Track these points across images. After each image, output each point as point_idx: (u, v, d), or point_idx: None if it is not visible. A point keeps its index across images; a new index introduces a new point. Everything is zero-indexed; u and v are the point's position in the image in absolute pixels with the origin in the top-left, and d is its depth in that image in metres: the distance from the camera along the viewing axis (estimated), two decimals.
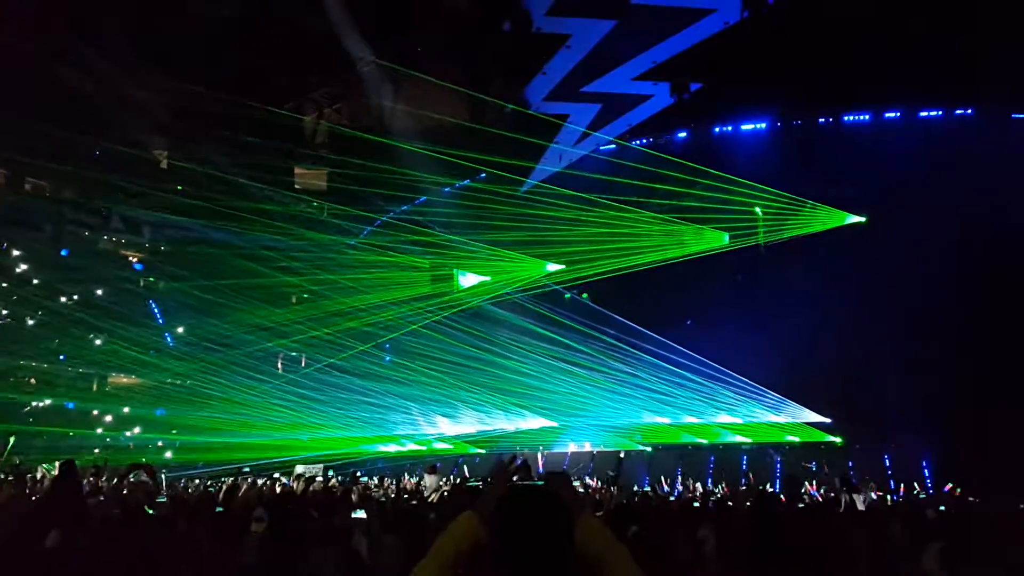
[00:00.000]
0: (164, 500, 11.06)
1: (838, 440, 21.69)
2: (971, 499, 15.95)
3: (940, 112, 18.72)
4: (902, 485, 18.94)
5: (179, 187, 22.00)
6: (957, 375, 20.07)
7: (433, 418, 28.91)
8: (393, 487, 20.98)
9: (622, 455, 27.33)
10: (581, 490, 18.18)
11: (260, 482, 20.87)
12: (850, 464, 20.33)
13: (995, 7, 13.86)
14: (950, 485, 17.86)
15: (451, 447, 29.64)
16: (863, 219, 19.82)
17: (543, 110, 17.88)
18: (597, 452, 27.62)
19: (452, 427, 29.19)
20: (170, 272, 25.57)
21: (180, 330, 28.45)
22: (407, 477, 26.20)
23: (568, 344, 24.19)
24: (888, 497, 17.57)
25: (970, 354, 19.13)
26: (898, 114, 19.05)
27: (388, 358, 27.08)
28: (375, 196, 21.01)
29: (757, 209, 21.33)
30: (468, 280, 25.87)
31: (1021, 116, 17.75)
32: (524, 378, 27.30)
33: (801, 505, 11.74)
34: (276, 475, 21.61)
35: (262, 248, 23.25)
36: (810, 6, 15.03)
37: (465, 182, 22.11)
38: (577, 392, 25.87)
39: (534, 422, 28.10)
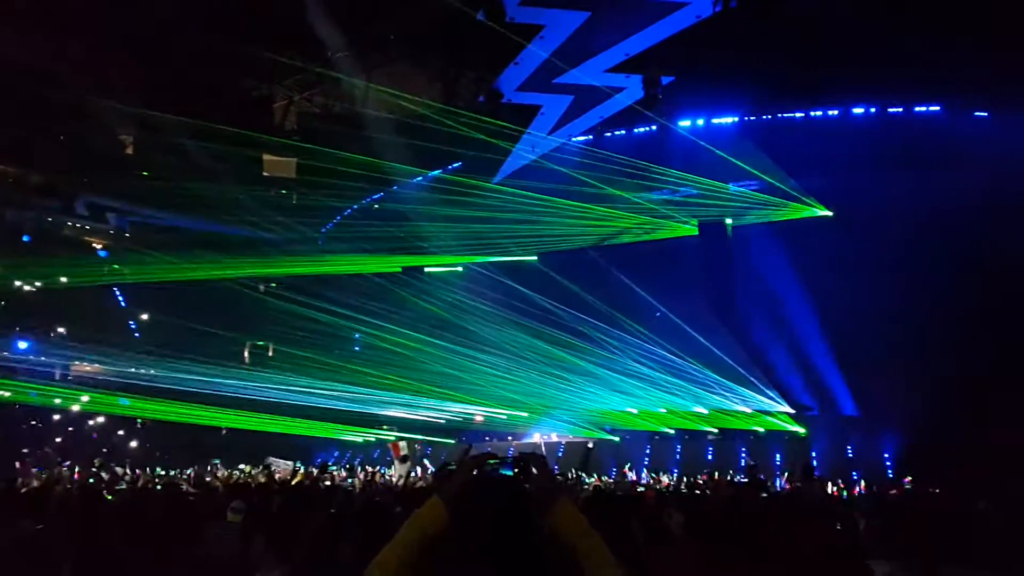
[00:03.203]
0: (124, 487, 10.96)
1: (801, 431, 22.02)
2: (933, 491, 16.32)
3: (906, 109, 18.99)
4: (862, 481, 19.29)
5: (144, 172, 21.68)
6: (920, 368, 20.51)
7: (400, 408, 28.85)
8: (362, 477, 20.99)
9: (590, 445, 27.50)
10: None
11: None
12: (813, 455, 20.67)
13: (960, 8, 14.07)
14: (908, 479, 18.25)
15: (420, 437, 29.65)
16: (830, 213, 20.15)
17: (515, 100, 17.85)
18: (566, 442, 27.77)
19: (420, 417, 29.17)
20: (136, 260, 25.19)
21: (144, 317, 28.14)
22: (378, 469, 26.20)
23: (536, 334, 24.31)
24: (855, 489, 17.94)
25: (933, 348, 19.53)
26: (866, 110, 19.29)
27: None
28: (345, 185, 20.86)
29: (728, 220, 21.64)
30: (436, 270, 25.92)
31: (984, 114, 18.09)
32: (493, 368, 27.40)
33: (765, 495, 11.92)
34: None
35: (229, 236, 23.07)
36: (779, 2, 15.15)
37: (436, 172, 22.06)
38: (545, 382, 26.02)
39: (503, 412, 28.22)
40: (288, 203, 22.62)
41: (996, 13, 13.91)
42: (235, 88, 18.64)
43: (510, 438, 28.81)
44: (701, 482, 18.89)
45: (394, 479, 21.15)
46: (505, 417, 28.23)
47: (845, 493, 16.97)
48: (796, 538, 6.24)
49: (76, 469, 20.79)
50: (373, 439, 31.32)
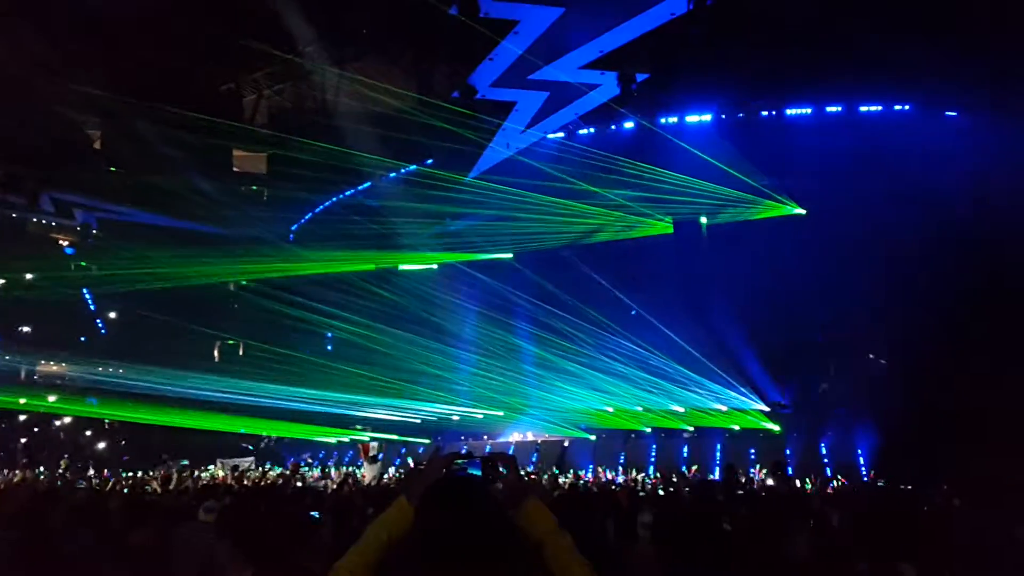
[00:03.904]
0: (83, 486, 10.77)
1: (776, 428, 22.15)
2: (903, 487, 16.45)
3: (880, 107, 19.17)
4: (838, 477, 19.42)
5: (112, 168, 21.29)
6: (891, 365, 20.75)
7: (375, 408, 28.65)
8: (333, 477, 20.81)
9: (566, 443, 27.47)
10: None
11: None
12: (787, 452, 20.79)
13: (934, 9, 14.20)
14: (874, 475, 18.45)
15: (394, 437, 29.50)
16: (803, 211, 20.29)
17: (490, 96, 17.74)
18: (541, 440, 27.72)
19: (395, 417, 29.01)
20: (102, 258, 24.74)
21: (112, 315, 27.68)
22: (351, 469, 25.99)
23: (512, 331, 24.27)
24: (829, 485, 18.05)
25: (905, 345, 19.75)
26: (839, 108, 19.45)
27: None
28: (317, 180, 20.64)
29: (703, 219, 21.75)
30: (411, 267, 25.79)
31: (954, 113, 18.31)
32: (468, 367, 27.31)
33: (740, 492, 11.89)
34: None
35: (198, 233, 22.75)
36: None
37: (410, 169, 21.90)
38: (521, 380, 25.98)
39: (478, 411, 28.14)
40: (259, 199, 22.33)
41: (965, 15, 14.06)
42: (205, 81, 18.32)
43: (486, 437, 28.72)
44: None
45: (366, 479, 20.99)
46: (481, 416, 28.15)
47: (809, 485, 17.08)
48: (770, 541, 6.20)
49: (41, 469, 20.43)
50: (347, 440, 31.09)
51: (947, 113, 18.51)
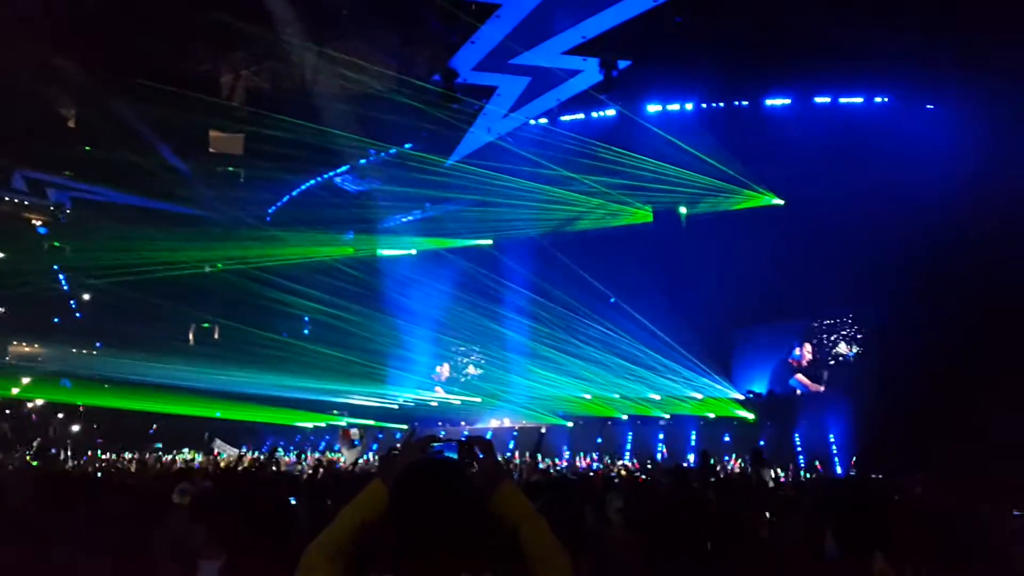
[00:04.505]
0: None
1: (750, 416, 22.33)
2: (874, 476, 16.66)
3: (861, 99, 19.28)
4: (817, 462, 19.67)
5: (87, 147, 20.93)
6: (868, 356, 20.98)
7: (352, 394, 28.57)
8: (309, 462, 20.74)
9: (543, 430, 27.54)
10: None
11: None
12: (761, 442, 20.96)
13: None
14: (854, 460, 18.66)
15: (371, 422, 29.45)
16: (782, 202, 20.43)
17: (471, 81, 17.64)
18: (519, 427, 27.78)
19: (373, 402, 28.95)
20: (76, 237, 24.35)
21: (87, 297, 27.31)
22: (327, 453, 25.95)
23: (490, 316, 24.28)
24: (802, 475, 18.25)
25: (881, 335, 19.97)
26: (819, 99, 19.56)
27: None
28: (294, 163, 20.43)
29: (682, 209, 21.83)
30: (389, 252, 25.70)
31: (932, 107, 18.48)
32: (447, 350, 27.29)
33: (714, 479, 11.98)
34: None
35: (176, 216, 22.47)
36: None
37: (390, 152, 21.75)
38: (499, 365, 26.02)
39: (455, 397, 28.17)
40: (235, 180, 22.07)
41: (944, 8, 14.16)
42: (182, 59, 18.05)
43: (463, 423, 28.73)
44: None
45: (345, 464, 20.96)
46: (459, 403, 28.17)
47: (782, 474, 17.25)
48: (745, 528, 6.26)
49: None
50: (324, 424, 31.00)
51: (927, 106, 18.66)
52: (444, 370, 29.03)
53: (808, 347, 22.58)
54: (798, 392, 22.52)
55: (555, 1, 15.38)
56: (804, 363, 22.62)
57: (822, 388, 22.01)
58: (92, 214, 23.11)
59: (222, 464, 20.69)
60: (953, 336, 15.85)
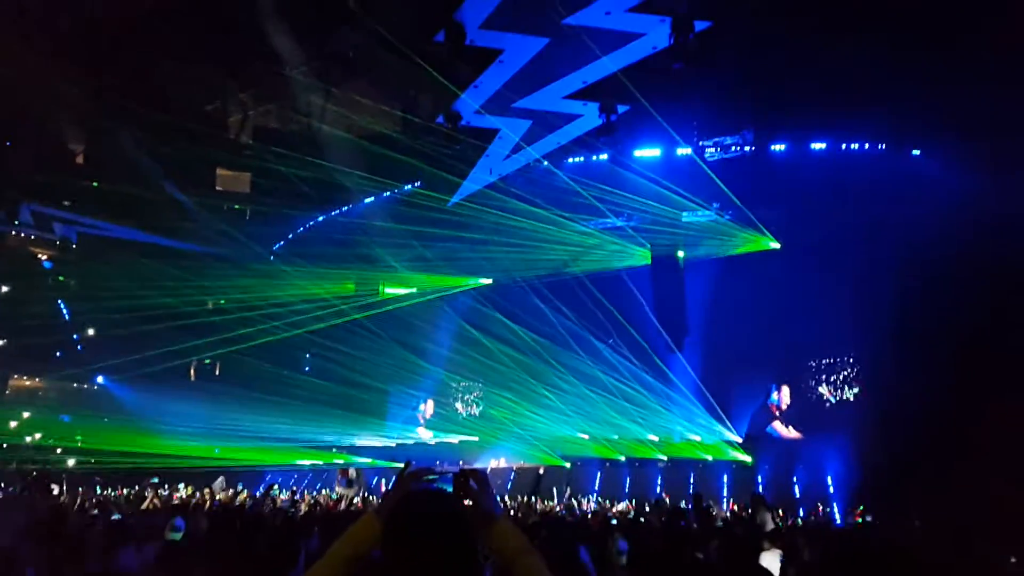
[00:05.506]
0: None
1: (748, 459, 22.23)
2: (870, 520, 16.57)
3: (858, 145, 19.58)
4: (820, 505, 19.52)
5: (94, 183, 21.20)
6: (866, 399, 20.93)
7: (351, 431, 28.44)
8: (303, 502, 20.59)
9: (541, 471, 27.36)
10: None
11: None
12: (759, 483, 20.85)
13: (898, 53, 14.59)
14: (861, 508, 18.50)
15: (369, 461, 29.25)
16: (778, 245, 20.59)
17: (474, 123, 17.94)
18: (516, 467, 27.61)
19: (370, 441, 28.81)
20: (82, 272, 24.47)
21: (91, 332, 27.33)
22: (324, 491, 25.75)
23: (489, 355, 24.26)
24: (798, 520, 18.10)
25: (879, 378, 19.97)
26: (816, 145, 19.85)
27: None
28: (300, 201, 20.66)
29: (680, 253, 22.02)
30: (392, 291, 25.77)
31: (917, 152, 18.82)
32: (446, 389, 27.20)
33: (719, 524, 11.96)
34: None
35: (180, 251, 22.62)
36: (734, 38, 15.55)
37: (394, 192, 22.01)
38: (497, 404, 25.93)
39: (453, 437, 28.05)
40: (241, 218, 22.28)
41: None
42: (190, 100, 18.37)
43: (461, 463, 28.55)
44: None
45: (341, 504, 20.81)
46: (456, 442, 28.04)
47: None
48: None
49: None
50: (321, 463, 30.79)
51: (913, 152, 18.97)
52: (428, 408, 28.94)
53: (786, 390, 22.53)
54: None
55: (556, 47, 15.72)
56: (783, 407, 22.55)
57: (799, 436, 21.92)
58: (96, 248, 23.28)
59: (219, 497, 20.59)
60: (950, 379, 15.88)
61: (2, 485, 20.43)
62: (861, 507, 18.37)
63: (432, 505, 2.36)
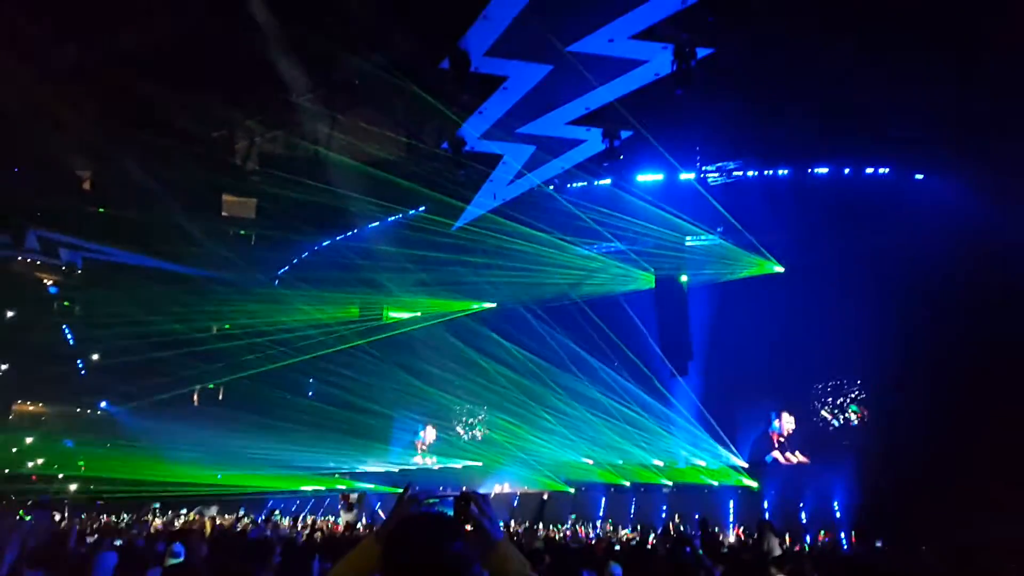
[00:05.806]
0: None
1: (754, 484, 22.07)
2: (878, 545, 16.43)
3: (860, 169, 19.64)
4: (821, 531, 19.36)
5: (100, 208, 21.30)
6: (871, 423, 20.84)
7: (354, 456, 28.33)
8: (306, 527, 20.50)
9: (545, 496, 27.21)
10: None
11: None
12: (765, 508, 20.69)
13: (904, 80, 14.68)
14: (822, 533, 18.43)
15: (371, 486, 29.13)
16: (782, 269, 20.60)
17: (478, 149, 18.05)
18: (520, 492, 27.46)
19: (373, 466, 28.70)
20: (87, 298, 24.53)
21: (95, 358, 27.34)
22: (328, 517, 25.62)
23: (492, 379, 24.22)
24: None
25: (883, 402, 19.89)
26: (819, 169, 19.91)
27: None
28: (305, 226, 20.75)
29: (683, 278, 22.05)
30: (396, 315, 25.79)
31: (920, 176, 18.87)
32: (449, 412, 27.10)
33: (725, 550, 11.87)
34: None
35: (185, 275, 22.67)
36: (736, 64, 15.67)
37: (399, 217, 22.10)
38: (501, 429, 25.84)
39: (457, 462, 27.93)
40: (246, 243, 22.36)
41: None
42: (196, 126, 18.50)
43: (464, 488, 28.39)
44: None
45: (340, 527, 20.72)
46: (460, 467, 27.90)
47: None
48: None
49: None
50: (323, 488, 30.65)
51: (916, 176, 19.02)
52: (429, 434, 28.82)
53: (787, 417, 22.41)
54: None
55: (560, 73, 15.84)
56: (784, 434, 22.39)
57: (807, 460, 21.78)
58: (102, 273, 23.34)
59: (220, 522, 20.50)
60: (954, 403, 15.82)
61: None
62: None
63: (430, 529, 2.35)
